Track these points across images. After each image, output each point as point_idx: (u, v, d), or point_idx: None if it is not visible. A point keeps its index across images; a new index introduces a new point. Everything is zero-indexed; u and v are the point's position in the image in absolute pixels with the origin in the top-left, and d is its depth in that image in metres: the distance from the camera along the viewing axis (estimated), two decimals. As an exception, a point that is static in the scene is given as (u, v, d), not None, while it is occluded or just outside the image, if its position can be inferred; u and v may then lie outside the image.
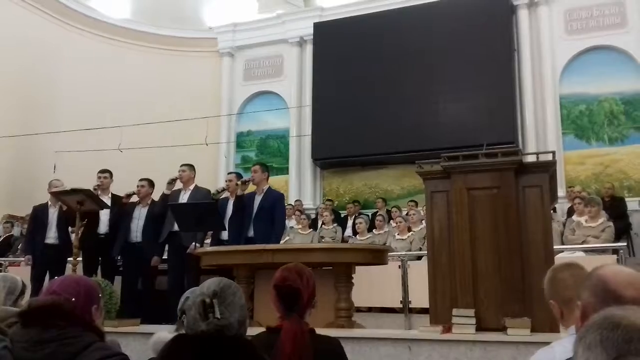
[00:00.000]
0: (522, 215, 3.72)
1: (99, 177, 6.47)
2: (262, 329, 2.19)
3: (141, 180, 6.48)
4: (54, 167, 9.66)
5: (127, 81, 12.13)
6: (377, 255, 4.57)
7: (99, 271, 6.19)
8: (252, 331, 2.10)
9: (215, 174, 11.99)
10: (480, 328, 3.51)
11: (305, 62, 12.37)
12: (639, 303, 1.30)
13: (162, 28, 12.78)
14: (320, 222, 9.50)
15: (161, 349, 1.73)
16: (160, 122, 10.92)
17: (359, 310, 5.10)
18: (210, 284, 1.75)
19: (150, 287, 6.23)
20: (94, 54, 11.92)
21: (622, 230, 7.83)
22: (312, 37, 12.22)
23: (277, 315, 2.14)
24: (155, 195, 6.48)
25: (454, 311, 3.57)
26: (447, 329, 3.53)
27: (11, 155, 10.35)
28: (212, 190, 6.32)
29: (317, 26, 12.18)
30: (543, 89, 10.50)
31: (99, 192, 6.24)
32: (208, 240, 6.44)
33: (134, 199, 6.46)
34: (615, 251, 6.16)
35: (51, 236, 6.42)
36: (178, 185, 6.29)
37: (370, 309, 6.44)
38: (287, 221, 8.28)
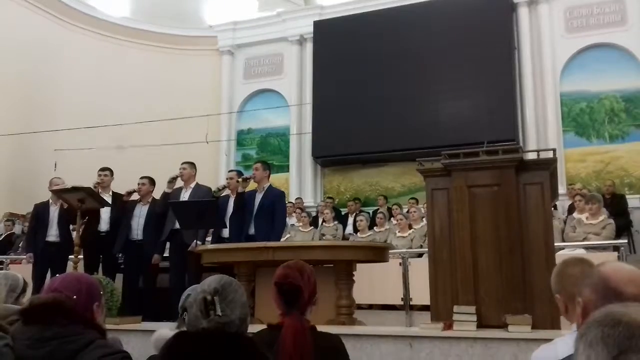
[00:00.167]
0: (522, 213, 3.72)
1: (100, 175, 6.48)
2: (263, 327, 2.19)
3: (142, 178, 6.49)
4: (55, 165, 9.66)
5: (128, 79, 12.13)
6: (378, 253, 4.57)
7: (100, 269, 6.20)
8: (253, 328, 2.10)
9: (215, 171, 11.99)
10: (481, 325, 3.51)
11: (306, 60, 12.36)
12: (640, 300, 1.31)
13: (162, 26, 12.77)
14: (321, 220, 9.50)
15: (162, 347, 1.73)
16: (161, 120, 10.93)
17: (360, 307, 5.10)
18: (212, 281, 1.75)
19: (151, 285, 6.24)
20: (94, 53, 11.92)
21: (623, 227, 7.84)
22: (312, 35, 12.22)
23: (278, 312, 2.14)
24: (156, 194, 6.48)
25: (455, 308, 3.57)
26: (448, 326, 3.53)
27: (12, 153, 10.36)
28: (213, 188, 6.32)
29: (317, 24, 12.17)
30: (543, 87, 10.49)
31: (100, 190, 6.24)
32: (209, 238, 6.44)
33: (135, 196, 6.46)
34: (616, 248, 6.16)
35: (52, 234, 6.43)
36: (179, 183, 6.30)
37: (371, 306, 6.45)
38: (287, 219, 8.28)
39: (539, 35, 10.71)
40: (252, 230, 5.69)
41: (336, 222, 9.22)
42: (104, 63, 11.98)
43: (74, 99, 11.36)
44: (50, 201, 6.55)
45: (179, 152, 9.28)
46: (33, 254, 6.45)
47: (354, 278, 4.44)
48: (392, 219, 8.59)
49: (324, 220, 9.24)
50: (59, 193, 5.93)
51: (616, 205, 8.17)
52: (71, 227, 6.39)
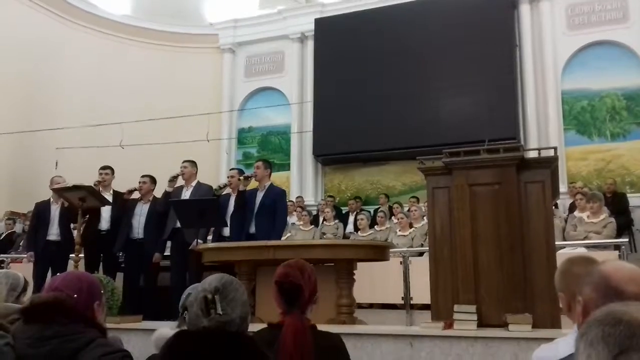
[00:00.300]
0: (523, 211, 3.72)
1: (100, 174, 6.48)
2: (264, 325, 2.19)
3: (143, 176, 6.49)
4: (56, 163, 9.67)
5: (129, 77, 12.14)
6: (378, 252, 4.57)
7: (100, 268, 6.20)
8: (254, 327, 2.10)
9: (216, 170, 11.99)
10: (481, 324, 3.51)
11: (307, 58, 12.35)
12: (641, 299, 1.31)
13: (163, 24, 12.77)
14: (321, 219, 9.51)
15: (163, 345, 1.73)
16: (162, 119, 10.93)
17: (360, 306, 5.10)
18: (212, 280, 1.75)
19: (152, 284, 6.23)
20: (95, 51, 11.93)
21: (624, 226, 7.84)
22: (313, 33, 12.21)
23: (279, 311, 2.14)
24: (157, 192, 6.48)
25: (456, 307, 3.57)
26: (449, 325, 3.53)
27: (13, 152, 10.36)
28: (214, 187, 6.32)
29: (318, 22, 12.16)
30: (545, 85, 10.48)
31: (101, 189, 6.24)
32: (211, 237, 6.44)
33: (136, 195, 6.46)
34: (617, 247, 6.16)
35: (53, 233, 6.43)
36: (180, 182, 6.30)
37: (371, 305, 6.45)
38: (288, 217, 8.28)
39: (540, 32, 10.69)
40: (253, 229, 5.68)
41: (337, 221, 9.23)
42: (104, 61, 11.99)
43: (74, 97, 11.37)
44: (51, 200, 6.55)
45: (179, 151, 9.29)
46: (34, 252, 6.45)
47: (355, 277, 4.44)
48: (392, 217, 8.59)
49: (324, 219, 9.24)
50: (60, 192, 5.93)
51: (617, 204, 8.16)
52: (72, 225, 6.39)
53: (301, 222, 8.94)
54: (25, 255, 6.88)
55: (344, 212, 10.31)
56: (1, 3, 10.59)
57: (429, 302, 3.98)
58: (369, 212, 9.50)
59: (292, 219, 9.28)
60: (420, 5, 11.22)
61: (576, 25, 10.54)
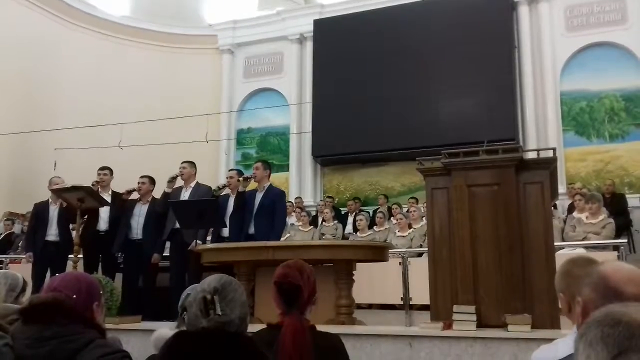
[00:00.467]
0: (522, 212, 3.72)
1: (99, 175, 6.47)
2: (263, 326, 2.19)
3: (142, 177, 6.49)
4: (55, 164, 9.66)
5: (128, 78, 12.13)
6: (377, 252, 4.57)
7: (99, 268, 6.20)
8: (253, 328, 2.10)
9: (215, 171, 11.99)
10: (480, 324, 3.51)
11: (306, 59, 12.36)
12: (640, 299, 1.31)
13: (162, 25, 12.76)
14: (320, 219, 9.51)
15: (162, 346, 1.73)
16: (161, 119, 10.92)
17: (359, 307, 5.10)
18: (211, 280, 1.75)
19: (151, 284, 6.23)
20: (94, 51, 11.93)
21: (623, 226, 7.84)
22: (312, 34, 12.22)
23: (278, 312, 2.14)
24: (156, 193, 6.48)
25: (455, 308, 3.57)
26: (448, 326, 3.53)
27: (12, 152, 10.36)
28: (213, 187, 6.32)
29: (317, 23, 12.17)
30: (543, 86, 10.49)
31: (99, 189, 6.24)
32: (210, 237, 6.44)
33: (135, 196, 6.46)
34: (615, 248, 6.17)
35: (52, 233, 6.42)
36: (179, 182, 6.29)
37: (370, 306, 6.45)
38: (287, 218, 8.28)
39: (539, 33, 10.70)
40: (252, 230, 5.68)
41: (336, 222, 9.23)
42: (103, 62, 11.98)
43: (74, 98, 11.36)
44: (50, 200, 6.55)
45: (178, 151, 9.28)
46: (32, 253, 6.45)
47: (354, 277, 4.44)
48: (391, 218, 8.59)
49: (323, 220, 9.24)
50: (59, 192, 5.93)
51: (616, 205, 8.17)
52: (71, 226, 6.39)
53: (300, 223, 8.94)
54: (24, 256, 6.88)
55: (343, 212, 10.31)
56: (0, 3, 10.58)
57: (428, 303, 3.97)
58: (368, 212, 9.50)
59: (291, 219, 9.28)
60: (419, 6, 11.23)
61: (575, 27, 10.55)
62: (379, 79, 11.07)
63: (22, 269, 6.06)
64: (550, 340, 1.81)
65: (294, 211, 9.63)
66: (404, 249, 6.92)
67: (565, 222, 7.36)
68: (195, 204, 5.54)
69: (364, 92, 11.14)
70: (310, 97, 11.91)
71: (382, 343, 3.57)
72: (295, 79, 12.37)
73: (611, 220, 6.73)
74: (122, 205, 6.37)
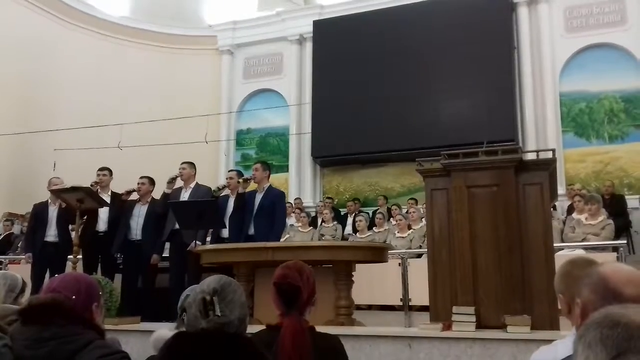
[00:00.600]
0: (522, 213, 3.72)
1: (98, 175, 6.47)
2: (262, 327, 2.19)
3: (142, 177, 6.48)
4: (54, 164, 9.65)
5: (127, 79, 12.13)
6: (377, 253, 4.57)
7: (99, 269, 6.20)
8: (252, 329, 2.10)
9: (215, 171, 11.99)
10: (480, 325, 3.51)
11: (305, 59, 12.36)
12: (639, 301, 1.31)
13: (161, 26, 12.77)
14: (320, 220, 9.51)
15: (161, 347, 1.73)
16: (160, 120, 10.92)
17: (359, 308, 5.11)
18: (211, 281, 1.75)
19: (150, 285, 6.23)
20: (93, 52, 11.92)
21: (622, 228, 7.84)
22: (311, 34, 12.22)
23: (277, 313, 2.14)
24: (156, 193, 6.48)
25: (454, 309, 3.57)
26: (447, 327, 3.53)
27: (11, 153, 10.35)
28: (213, 188, 6.32)
29: (317, 24, 12.17)
30: (543, 87, 10.50)
31: (99, 190, 6.24)
32: (210, 238, 6.44)
33: (134, 196, 6.46)
34: (615, 249, 6.17)
35: (51, 234, 6.42)
36: (179, 183, 6.29)
37: (370, 307, 6.45)
38: (287, 219, 8.28)
39: (538, 35, 10.71)
40: (251, 231, 5.68)
41: (335, 223, 9.23)
42: (103, 62, 11.98)
43: (73, 98, 11.36)
44: (49, 201, 6.54)
45: (178, 152, 9.28)
46: (32, 254, 6.44)
47: (353, 278, 4.44)
48: (391, 219, 8.59)
49: (323, 221, 9.24)
50: (58, 193, 5.93)
51: (615, 206, 8.17)
52: (70, 227, 6.38)
53: (300, 224, 8.94)
54: (24, 257, 6.88)
55: (342, 213, 10.31)
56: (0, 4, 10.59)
57: (428, 304, 3.98)
58: (368, 213, 9.51)
59: (290, 220, 9.28)
60: (418, 7, 11.23)
61: (574, 28, 10.56)
62: (379, 79, 11.08)
63: (21, 270, 6.06)
64: (549, 341, 1.82)
65: (293, 212, 9.63)
66: (404, 250, 6.92)
67: (564, 223, 7.37)
68: (195, 205, 5.54)
69: (364, 93, 11.14)
70: (309, 98, 11.91)
71: (381, 344, 3.57)
72: (294, 80, 12.37)
73: (610, 221, 6.74)
74: (121, 206, 6.37)
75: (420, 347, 3.45)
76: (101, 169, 6.56)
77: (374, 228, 8.33)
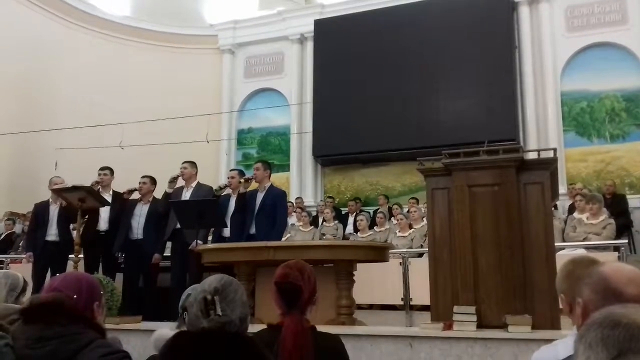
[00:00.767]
0: (523, 213, 3.72)
1: (99, 175, 6.48)
2: (263, 326, 2.19)
3: (143, 177, 6.49)
4: (55, 164, 9.66)
5: (128, 78, 12.13)
6: (378, 253, 4.57)
7: (100, 268, 6.20)
8: (253, 328, 2.10)
9: (216, 171, 12.00)
10: (481, 325, 3.51)
11: (306, 59, 12.36)
12: (640, 300, 1.31)
13: (163, 25, 12.77)
14: (321, 220, 9.51)
15: (162, 346, 1.73)
16: (162, 120, 10.93)
17: (360, 307, 5.10)
18: (212, 281, 1.75)
19: (151, 285, 6.23)
20: (94, 51, 11.93)
21: (623, 227, 7.83)
22: (312, 34, 12.22)
23: (278, 312, 2.14)
24: (157, 193, 6.48)
25: (455, 308, 3.57)
26: (448, 326, 3.53)
27: (13, 152, 10.37)
28: (214, 187, 6.33)
29: (318, 23, 12.17)
30: (544, 86, 10.49)
31: (100, 189, 6.25)
32: (211, 238, 6.44)
33: (135, 195, 6.46)
34: (616, 248, 6.16)
35: (52, 233, 6.42)
36: (180, 182, 6.30)
37: (371, 306, 6.44)
38: (288, 218, 8.28)
39: (539, 34, 10.70)
40: (253, 230, 5.68)
41: (336, 222, 9.23)
42: (104, 62, 11.98)
43: (74, 98, 11.37)
44: (51, 200, 6.55)
45: (179, 151, 9.29)
46: (33, 253, 6.45)
47: (354, 278, 4.44)
48: (392, 218, 8.59)
49: (324, 220, 9.24)
50: (59, 192, 5.93)
51: (617, 205, 8.16)
52: (71, 226, 6.39)
53: (301, 223, 8.94)
54: (25, 256, 6.88)
55: (343, 213, 10.31)
56: (1, 3, 10.59)
57: (429, 303, 3.98)
58: (369, 213, 9.50)
59: (291, 219, 9.28)
60: (419, 7, 11.22)
61: (575, 27, 10.55)
62: (380, 79, 11.07)
63: (22, 269, 6.06)
64: (550, 341, 1.81)
65: (294, 211, 9.63)
66: (405, 250, 6.92)
67: (565, 222, 7.36)
68: (196, 204, 5.54)
69: (365, 92, 11.14)
70: (310, 97, 11.91)
71: (382, 343, 3.57)
72: (295, 79, 12.37)
73: (612, 220, 6.73)
74: (123, 205, 6.38)
75: (421, 347, 3.45)
76: (102, 169, 6.57)
77: (375, 227, 8.33)
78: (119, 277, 6.23)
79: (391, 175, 11.50)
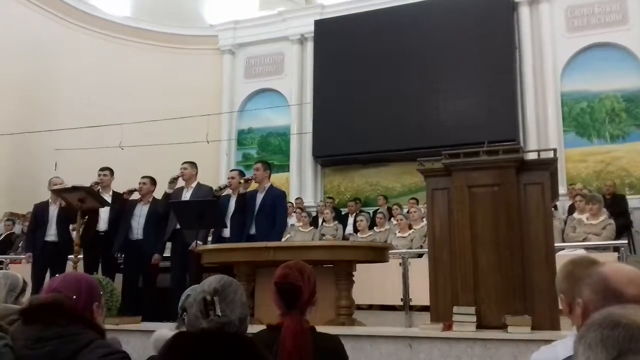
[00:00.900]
0: (523, 213, 3.72)
1: (99, 175, 6.47)
2: (263, 327, 2.19)
3: (143, 177, 6.49)
4: (55, 164, 9.66)
5: (128, 79, 12.13)
6: (378, 253, 4.57)
7: (99, 269, 6.20)
8: (253, 329, 2.10)
9: (216, 171, 11.99)
10: (480, 326, 3.51)
11: (306, 59, 12.36)
12: (640, 301, 1.31)
13: (163, 26, 12.77)
14: (321, 220, 9.50)
15: (162, 347, 1.73)
16: (162, 120, 10.93)
17: (359, 307, 5.10)
18: (211, 281, 1.75)
19: (151, 285, 6.23)
20: (95, 52, 11.93)
21: (623, 227, 7.83)
22: (313, 34, 12.22)
23: (278, 312, 2.14)
24: (157, 193, 6.48)
25: (455, 309, 3.57)
26: (448, 327, 3.53)
27: (12, 153, 10.36)
28: (215, 188, 6.32)
29: (318, 23, 12.17)
30: (544, 87, 10.49)
31: (100, 190, 6.24)
32: (211, 238, 6.44)
33: (135, 196, 6.46)
34: (616, 249, 6.16)
35: (51, 234, 6.42)
36: (180, 183, 6.29)
37: (370, 307, 6.44)
38: (288, 219, 8.28)
39: (539, 34, 10.70)
40: (253, 231, 5.68)
41: (336, 222, 9.22)
42: (104, 62, 11.98)
43: (74, 98, 11.37)
44: (50, 201, 6.55)
45: (179, 152, 9.28)
46: (32, 253, 6.45)
47: (354, 278, 4.44)
48: (392, 219, 8.59)
49: (324, 220, 9.24)
50: (59, 193, 5.93)
51: (616, 206, 8.16)
52: (71, 226, 6.39)
53: (300, 224, 8.93)
54: (24, 256, 6.88)
55: (343, 213, 10.31)
56: (1, 3, 10.59)
57: (428, 304, 3.98)
58: (368, 213, 9.49)
59: (291, 220, 9.27)
60: (419, 7, 11.23)
61: (575, 28, 10.55)
62: (380, 79, 11.08)
63: (22, 270, 6.06)
64: (550, 341, 1.81)
65: (294, 212, 9.63)
66: (404, 250, 6.92)
67: (565, 222, 7.35)
68: (196, 205, 5.54)
69: (365, 93, 11.14)
70: (311, 98, 11.92)
71: (381, 344, 3.57)
72: (296, 80, 12.37)
73: (612, 221, 6.72)
74: (122, 206, 6.37)
75: (420, 347, 3.45)
76: (102, 169, 6.57)
77: (374, 228, 8.33)
78: (119, 277, 6.22)
79: (391, 176, 11.50)
